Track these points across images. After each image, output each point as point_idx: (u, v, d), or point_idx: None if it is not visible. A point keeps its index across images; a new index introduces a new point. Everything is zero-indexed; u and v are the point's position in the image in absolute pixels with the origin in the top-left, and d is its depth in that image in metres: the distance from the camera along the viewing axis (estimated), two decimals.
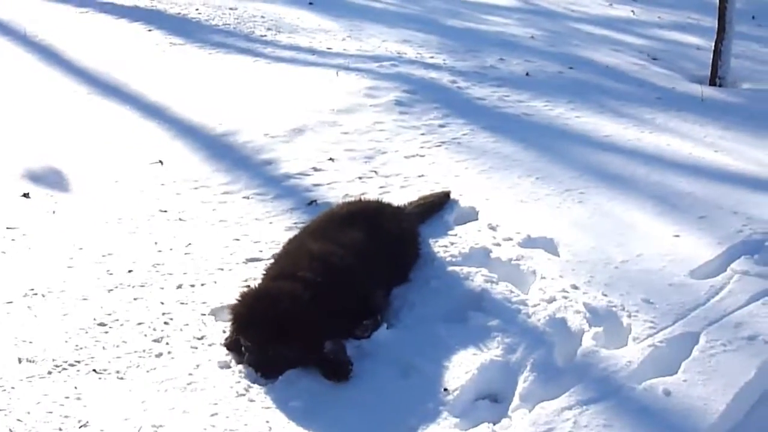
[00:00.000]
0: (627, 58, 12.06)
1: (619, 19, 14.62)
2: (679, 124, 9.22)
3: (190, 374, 5.01)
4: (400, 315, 5.63)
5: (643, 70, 11.49)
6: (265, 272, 5.68)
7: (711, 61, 11.36)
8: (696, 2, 16.13)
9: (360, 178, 7.49)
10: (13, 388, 4.78)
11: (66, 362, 5.03)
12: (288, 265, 5.55)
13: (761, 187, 7.54)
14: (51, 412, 4.63)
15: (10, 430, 4.48)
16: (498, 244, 6.40)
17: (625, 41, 13.11)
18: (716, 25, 11.40)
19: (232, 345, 5.21)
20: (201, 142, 8.17)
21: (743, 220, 6.87)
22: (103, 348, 5.18)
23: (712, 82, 11.16)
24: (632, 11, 15.25)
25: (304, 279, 5.31)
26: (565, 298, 5.76)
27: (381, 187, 7.30)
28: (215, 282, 5.92)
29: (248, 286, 5.71)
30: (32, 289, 5.72)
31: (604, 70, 11.26)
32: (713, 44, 11.38)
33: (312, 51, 11.10)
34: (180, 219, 6.79)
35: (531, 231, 6.57)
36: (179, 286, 5.85)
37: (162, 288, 5.82)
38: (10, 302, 5.57)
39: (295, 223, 6.66)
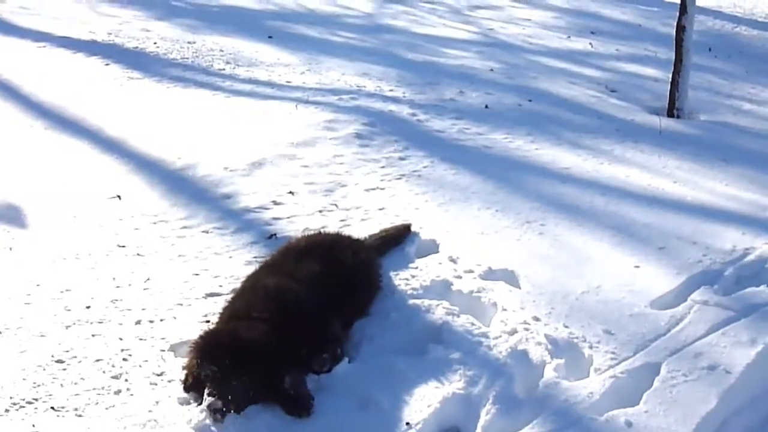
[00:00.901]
0: (585, 90, 12.13)
1: (577, 52, 14.71)
2: (636, 155, 9.28)
3: (150, 411, 4.96)
4: (360, 348, 5.60)
5: (601, 102, 11.57)
6: (222, 311, 5.64)
7: (668, 92, 11.44)
8: (653, 34, 16.28)
9: (320, 211, 7.47)
10: None
11: (23, 400, 4.98)
12: (243, 304, 5.53)
13: (719, 218, 7.59)
14: None
15: None
16: (459, 277, 6.39)
17: (583, 73, 13.19)
18: (673, 57, 11.50)
19: (191, 385, 5.14)
20: (159, 176, 8.12)
21: (702, 250, 6.91)
22: (61, 385, 5.12)
23: (670, 114, 11.24)
24: (590, 44, 15.35)
25: (260, 319, 5.29)
26: (527, 329, 5.76)
27: (341, 221, 7.28)
28: (174, 317, 5.88)
29: (208, 321, 5.69)
30: None
31: (562, 102, 11.31)
32: (670, 76, 11.46)
33: (271, 84, 11.09)
34: (138, 254, 6.74)
35: (491, 263, 6.57)
36: (138, 322, 5.80)
37: (120, 324, 5.77)
38: None
39: (255, 257, 6.63)
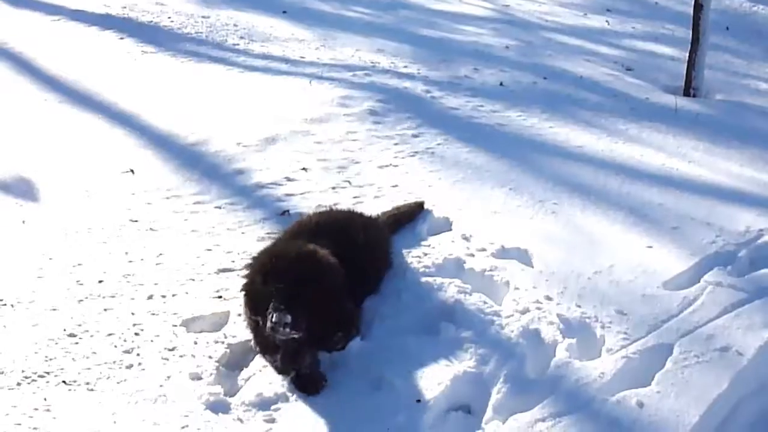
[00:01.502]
0: (601, 68, 12.06)
1: (594, 30, 14.63)
2: (651, 135, 9.23)
3: (161, 386, 4.98)
4: (372, 327, 5.59)
5: (616, 81, 11.50)
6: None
7: (685, 71, 11.36)
8: (670, 13, 16.18)
9: (333, 188, 7.45)
10: None
11: (35, 373, 4.99)
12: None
13: (734, 199, 7.56)
14: (20, 424, 4.60)
15: None
16: (471, 255, 6.38)
17: (600, 51, 13.11)
18: (690, 36, 11.42)
19: (253, 308, 5.17)
20: (172, 151, 8.11)
21: (716, 232, 6.89)
22: (73, 359, 5.14)
23: (686, 93, 11.16)
24: (607, 21, 15.26)
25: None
26: (539, 309, 5.75)
27: (354, 197, 7.26)
28: (186, 293, 5.88)
29: (220, 297, 5.70)
30: (1, 300, 5.67)
31: (577, 80, 11.25)
32: (687, 55, 11.38)
33: (285, 60, 11.04)
34: (151, 229, 6.74)
35: (504, 242, 6.55)
36: (150, 297, 5.80)
37: (133, 299, 5.78)
38: None
39: (267, 233, 6.63)
